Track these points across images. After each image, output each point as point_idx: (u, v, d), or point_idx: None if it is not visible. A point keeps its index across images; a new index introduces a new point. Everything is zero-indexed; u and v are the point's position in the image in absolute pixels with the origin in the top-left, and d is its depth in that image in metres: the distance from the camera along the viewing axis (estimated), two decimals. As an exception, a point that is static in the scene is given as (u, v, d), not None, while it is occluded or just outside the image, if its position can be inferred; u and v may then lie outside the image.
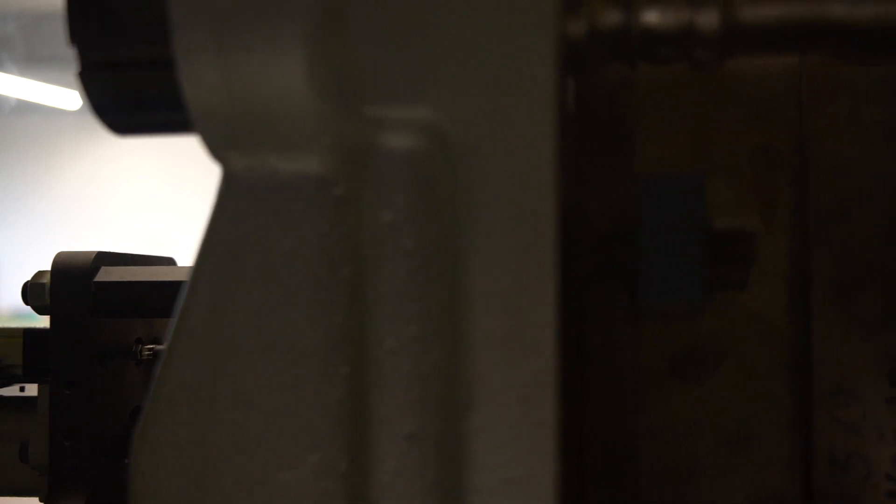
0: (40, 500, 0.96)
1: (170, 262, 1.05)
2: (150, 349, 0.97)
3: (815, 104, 0.72)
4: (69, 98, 8.20)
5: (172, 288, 0.84)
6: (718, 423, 0.73)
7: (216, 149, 0.62)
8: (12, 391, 1.02)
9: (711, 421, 0.73)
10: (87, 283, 0.91)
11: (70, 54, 0.65)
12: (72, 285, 0.91)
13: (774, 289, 0.72)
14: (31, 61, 7.54)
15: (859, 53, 0.61)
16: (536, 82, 0.55)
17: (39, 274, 0.95)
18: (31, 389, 0.98)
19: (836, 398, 0.71)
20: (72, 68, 0.66)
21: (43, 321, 0.96)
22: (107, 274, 0.92)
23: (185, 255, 0.84)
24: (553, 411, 0.55)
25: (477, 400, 0.56)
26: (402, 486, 0.58)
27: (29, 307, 0.97)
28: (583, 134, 0.72)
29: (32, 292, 0.95)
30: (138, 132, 0.69)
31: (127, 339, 0.95)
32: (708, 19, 0.61)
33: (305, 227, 0.61)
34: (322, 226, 0.60)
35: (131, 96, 0.66)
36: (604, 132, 0.73)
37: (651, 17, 0.61)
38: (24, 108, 8.58)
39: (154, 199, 9.05)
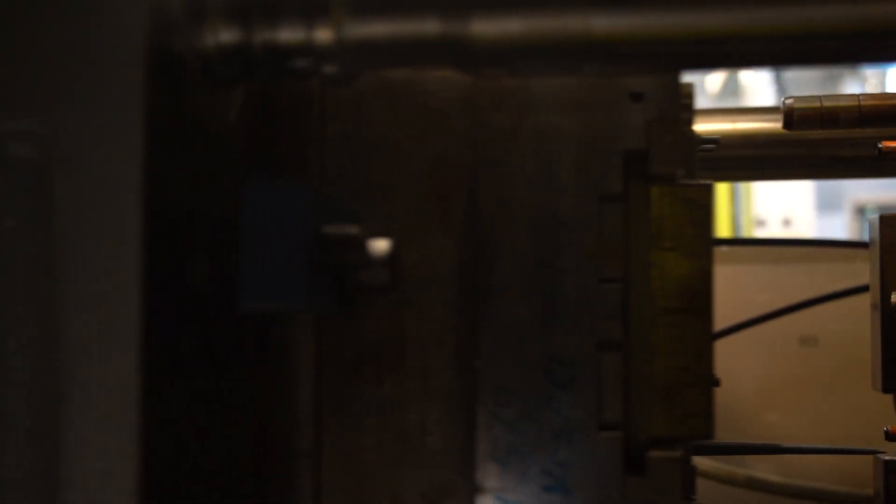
0: None
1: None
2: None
3: (484, 114, 0.75)
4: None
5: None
6: (396, 421, 0.76)
7: None
8: None
9: (390, 419, 0.76)
10: None
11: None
12: None
13: (449, 292, 0.75)
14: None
15: (468, 68, 0.64)
16: (124, 97, 0.58)
17: None
18: None
19: (498, 396, 0.74)
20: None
21: None
22: None
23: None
24: (137, 409, 0.58)
25: (67, 396, 0.59)
26: (21, 482, 0.61)
27: None
28: (265, 145, 0.75)
29: None
30: None
31: None
32: (323, 36, 0.64)
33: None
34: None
35: None
36: (287, 143, 0.76)
37: (270, 33, 0.64)
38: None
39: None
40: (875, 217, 1.10)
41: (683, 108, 0.78)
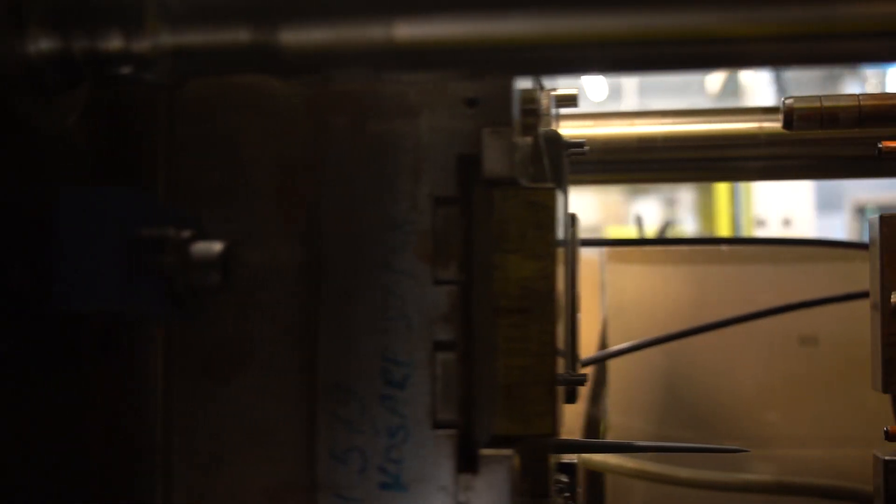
0: None
1: None
2: None
3: (326, 117, 0.77)
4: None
5: None
6: (243, 420, 0.77)
7: None
8: None
9: (237, 417, 0.77)
10: None
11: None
12: None
13: (292, 292, 0.77)
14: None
15: (280, 74, 0.66)
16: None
17: None
18: None
19: (336, 395, 0.76)
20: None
21: None
22: None
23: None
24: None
25: None
26: None
27: None
28: (111, 147, 0.77)
29: None
30: None
31: None
32: (141, 44, 0.65)
33: None
34: None
35: None
36: (135, 146, 0.77)
37: (89, 41, 0.66)
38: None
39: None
40: (875, 217, 1.09)
41: (528, 113, 0.80)
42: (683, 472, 1.40)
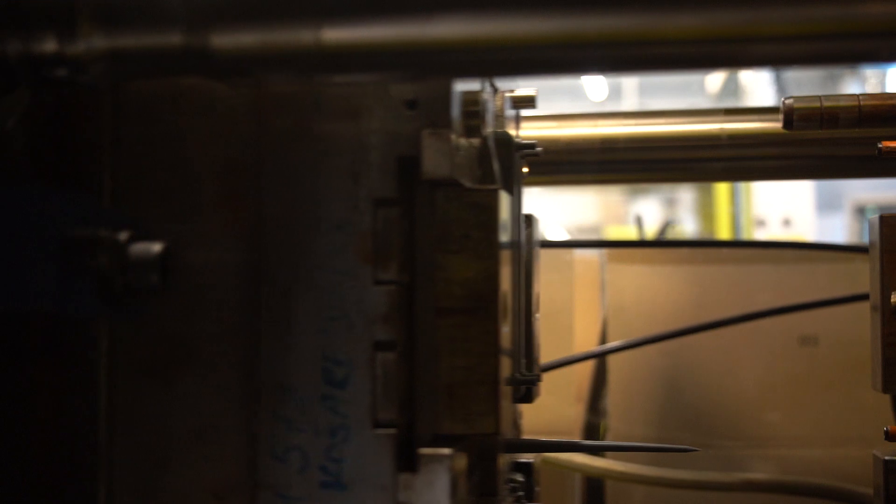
0: None
1: None
2: None
3: (267, 119, 0.77)
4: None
5: None
6: (185, 419, 0.78)
7: None
8: None
9: (179, 417, 0.78)
10: None
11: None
12: None
13: (234, 292, 0.77)
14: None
15: (213, 77, 0.67)
16: None
17: None
18: None
19: (277, 395, 0.76)
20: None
21: None
22: None
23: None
24: None
25: None
26: None
27: None
28: (54, 149, 0.77)
29: None
30: None
31: None
32: (74, 47, 0.66)
33: None
34: None
35: None
36: (78, 147, 0.78)
37: (23, 44, 0.66)
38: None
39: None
40: (875, 217, 1.09)
41: (471, 115, 0.80)
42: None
